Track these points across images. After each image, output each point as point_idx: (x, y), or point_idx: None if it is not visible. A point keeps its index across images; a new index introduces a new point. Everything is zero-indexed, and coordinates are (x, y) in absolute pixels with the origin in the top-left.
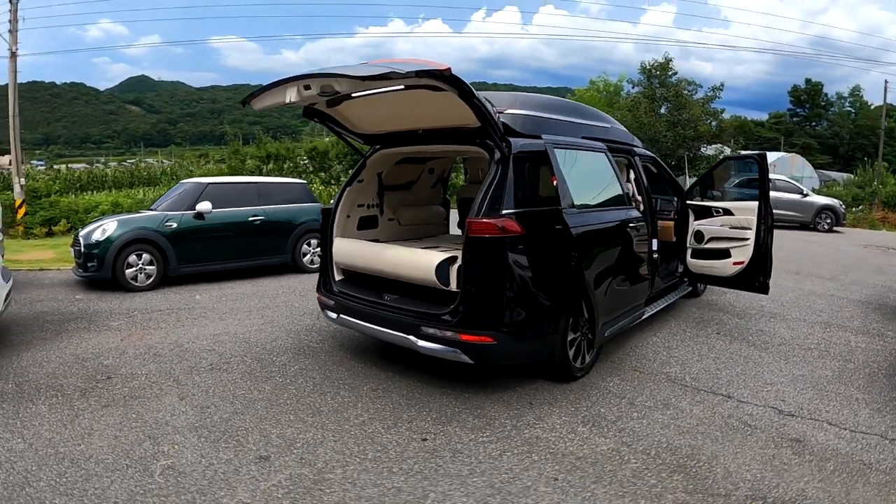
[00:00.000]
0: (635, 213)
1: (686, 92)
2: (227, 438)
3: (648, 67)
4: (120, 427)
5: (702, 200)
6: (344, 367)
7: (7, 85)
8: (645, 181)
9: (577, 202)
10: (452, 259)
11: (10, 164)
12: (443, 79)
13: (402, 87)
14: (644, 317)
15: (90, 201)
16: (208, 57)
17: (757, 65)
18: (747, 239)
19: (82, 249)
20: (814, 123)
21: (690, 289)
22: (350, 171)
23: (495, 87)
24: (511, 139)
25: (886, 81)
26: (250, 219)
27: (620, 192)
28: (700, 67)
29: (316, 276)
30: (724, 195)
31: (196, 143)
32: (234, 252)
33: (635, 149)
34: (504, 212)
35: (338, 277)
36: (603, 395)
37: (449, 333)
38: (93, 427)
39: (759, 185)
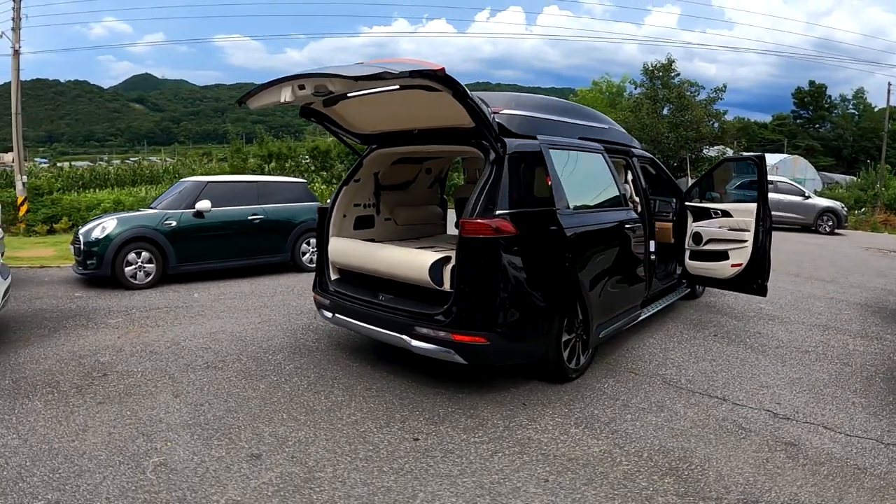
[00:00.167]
0: (632, 215)
1: (688, 93)
2: (220, 436)
3: (651, 68)
4: (114, 424)
5: (700, 202)
6: (339, 366)
7: (10, 83)
8: (643, 182)
9: (572, 203)
10: (446, 259)
11: (12, 161)
12: (437, 79)
13: (398, 87)
14: (640, 318)
15: (92, 199)
16: (212, 55)
17: (760, 66)
18: (745, 241)
19: (82, 247)
20: (817, 125)
21: (689, 290)
22: None
23: (499, 87)
24: (506, 139)
25: (890, 84)
26: (250, 217)
27: (617, 193)
28: (704, 69)
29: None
30: (723, 197)
31: (199, 141)
32: (234, 251)
33: (633, 150)
34: (498, 212)
35: (333, 277)
36: (597, 396)
37: (442, 333)
38: (87, 423)
39: (757, 187)
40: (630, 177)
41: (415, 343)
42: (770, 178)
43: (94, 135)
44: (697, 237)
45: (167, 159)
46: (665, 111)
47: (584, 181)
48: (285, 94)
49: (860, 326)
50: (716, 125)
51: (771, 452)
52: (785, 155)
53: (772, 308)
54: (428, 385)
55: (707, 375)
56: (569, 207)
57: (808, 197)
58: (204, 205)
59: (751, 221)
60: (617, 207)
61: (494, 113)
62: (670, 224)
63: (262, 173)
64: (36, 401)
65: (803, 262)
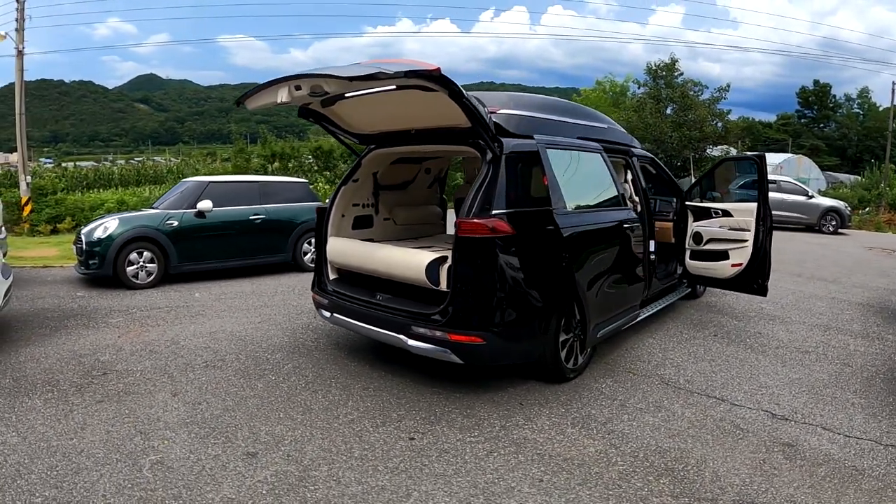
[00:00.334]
0: (630, 214)
1: (692, 93)
2: (217, 435)
3: (654, 68)
4: (112, 422)
5: (701, 201)
6: (337, 365)
7: (14, 83)
8: (642, 182)
9: (569, 203)
10: (443, 259)
11: (17, 161)
12: (432, 79)
13: (394, 87)
14: (639, 318)
15: (96, 199)
16: (216, 55)
17: (765, 66)
18: (746, 241)
19: (84, 247)
20: (822, 125)
21: (689, 290)
22: None
23: (503, 87)
24: (503, 139)
25: (894, 83)
26: (251, 217)
27: (615, 193)
28: (709, 68)
29: None
30: (725, 196)
31: (204, 141)
32: (235, 250)
33: (633, 149)
34: (494, 212)
35: (332, 276)
36: (595, 396)
37: (438, 333)
38: (86, 422)
39: (757, 187)
40: (630, 176)
41: (411, 342)
42: (773, 177)
43: (99, 135)
44: (698, 237)
45: (171, 159)
46: (668, 111)
47: (582, 181)
48: (282, 95)
49: (861, 327)
50: (719, 125)
51: (768, 453)
52: (789, 154)
53: (773, 308)
54: (425, 385)
55: (706, 375)
56: (566, 207)
57: (811, 196)
58: (205, 205)
59: (751, 221)
60: (615, 207)
61: (491, 112)
62: (671, 224)
63: (266, 173)
64: (36, 399)
65: (806, 261)
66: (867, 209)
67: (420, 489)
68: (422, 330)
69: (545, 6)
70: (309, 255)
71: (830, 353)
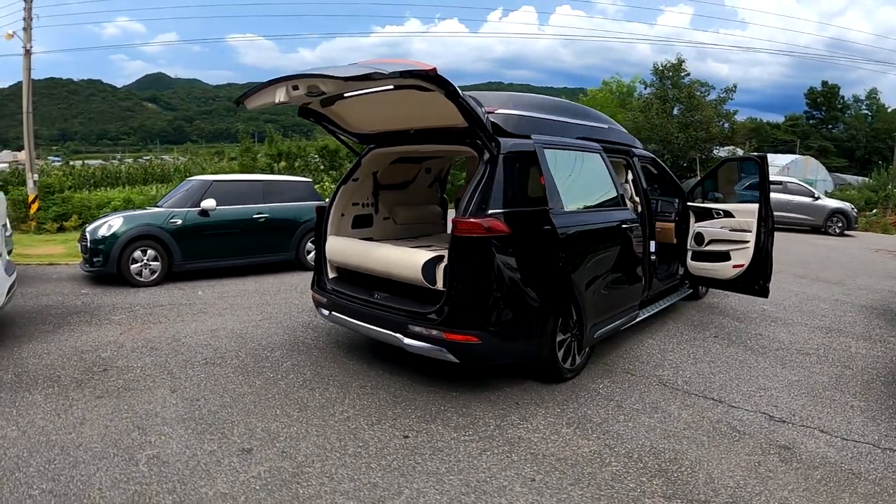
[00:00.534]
0: (629, 215)
1: (699, 93)
2: (213, 430)
3: (661, 68)
4: (111, 417)
5: (703, 202)
6: (336, 363)
7: (23, 82)
8: (643, 182)
9: (567, 203)
10: (439, 258)
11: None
12: (427, 78)
13: (392, 87)
14: (638, 319)
15: (103, 197)
16: (225, 55)
17: (773, 67)
18: (747, 242)
19: (88, 245)
20: (830, 126)
21: (691, 291)
22: None
23: (511, 87)
24: (501, 139)
25: None
26: (255, 216)
27: (614, 193)
28: (717, 69)
29: None
30: (730, 197)
31: (212, 140)
32: (239, 249)
33: (633, 149)
34: (491, 212)
35: (331, 275)
36: (591, 396)
37: (434, 332)
38: (85, 417)
39: (759, 188)
40: (630, 177)
41: (407, 341)
42: (779, 178)
43: (108, 133)
44: (699, 237)
45: (179, 158)
46: (675, 111)
47: (580, 181)
48: (280, 95)
49: (864, 329)
50: (726, 125)
51: (764, 455)
52: (796, 156)
53: (775, 309)
54: (422, 383)
55: (704, 377)
56: (563, 207)
57: (817, 198)
58: (209, 203)
59: (752, 222)
60: (614, 207)
61: (489, 112)
62: (672, 224)
63: (272, 172)
64: (36, 394)
65: (810, 263)
66: (874, 211)
67: (412, 487)
68: (418, 329)
69: (553, 6)
70: (312, 253)
71: (831, 356)
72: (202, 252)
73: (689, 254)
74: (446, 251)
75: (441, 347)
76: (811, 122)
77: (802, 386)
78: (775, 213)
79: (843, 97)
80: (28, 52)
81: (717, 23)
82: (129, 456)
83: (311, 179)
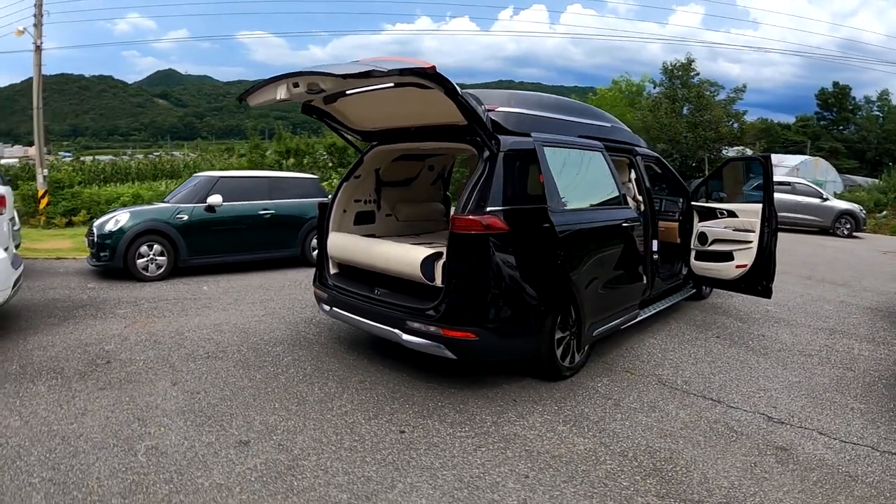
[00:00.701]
0: (630, 214)
1: (708, 93)
2: (212, 423)
3: (670, 68)
4: (112, 408)
5: (707, 201)
6: (336, 359)
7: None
8: (646, 181)
9: (566, 201)
10: (438, 255)
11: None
12: (426, 76)
13: (393, 84)
14: (639, 318)
15: (112, 193)
16: (235, 52)
17: (785, 67)
18: (750, 242)
19: (96, 239)
20: (841, 127)
21: (694, 291)
22: None
23: (521, 85)
24: (501, 137)
25: None
26: (260, 212)
27: (615, 192)
28: (728, 69)
29: None
30: (737, 197)
31: (223, 136)
32: (244, 245)
33: (637, 148)
34: (489, 209)
35: (333, 271)
36: (589, 395)
37: (432, 328)
38: (87, 408)
39: (762, 188)
40: (633, 175)
41: (405, 337)
42: (788, 179)
43: (118, 129)
44: (703, 237)
45: (189, 154)
46: (684, 111)
47: (581, 179)
48: (281, 92)
49: (868, 331)
50: (735, 125)
51: (760, 456)
52: (806, 156)
53: (779, 310)
54: (421, 380)
55: (704, 377)
56: (562, 205)
57: (825, 199)
58: (215, 199)
59: (756, 222)
60: (614, 206)
61: (490, 110)
62: (676, 224)
63: (281, 169)
64: (40, 385)
65: (817, 264)
66: (883, 213)
67: (405, 481)
68: (416, 325)
69: (564, 5)
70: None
71: (833, 357)
72: (208, 247)
73: (693, 253)
74: (445, 248)
75: (439, 344)
76: (822, 123)
77: (803, 387)
78: (783, 214)
79: (854, 98)
80: (38, 49)
81: (729, 23)
82: (129, 446)
83: (317, 176)
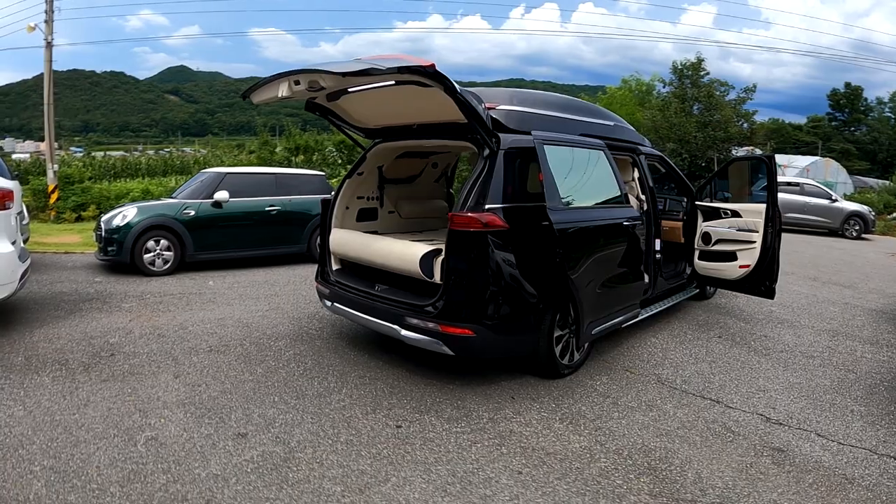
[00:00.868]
0: (631, 213)
1: (718, 93)
2: (212, 415)
3: (680, 67)
4: (114, 400)
5: (711, 201)
6: (337, 354)
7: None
8: (650, 180)
9: (566, 199)
10: (437, 252)
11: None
12: (425, 74)
13: (394, 82)
14: (639, 318)
15: (122, 188)
16: (247, 48)
17: (797, 67)
18: (754, 242)
19: (103, 234)
20: (853, 128)
21: (697, 291)
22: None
23: (533, 84)
24: (501, 135)
25: None
26: (267, 208)
27: (616, 191)
28: (739, 69)
29: None
30: (744, 196)
31: (234, 133)
32: (251, 240)
33: (640, 147)
34: (488, 207)
35: (335, 267)
36: (587, 393)
37: (431, 324)
38: (89, 399)
39: (766, 188)
40: (636, 175)
41: (404, 333)
42: (797, 180)
43: (130, 125)
44: (707, 237)
45: (200, 150)
46: (694, 110)
47: (581, 178)
48: (283, 90)
49: (872, 333)
50: (745, 125)
51: (756, 457)
52: (816, 157)
53: (783, 311)
54: (421, 375)
55: (704, 377)
56: (561, 203)
57: (834, 200)
58: (222, 195)
59: (760, 222)
60: (615, 205)
61: (490, 109)
62: (680, 223)
63: (290, 165)
64: (45, 376)
65: (824, 265)
66: (893, 214)
67: (399, 475)
68: (415, 321)
69: (576, 3)
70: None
71: (836, 359)
72: (214, 243)
73: (697, 253)
74: (444, 245)
75: (437, 340)
76: (833, 123)
77: (803, 388)
78: (791, 215)
79: (866, 99)
80: (49, 45)
81: (741, 22)
82: (129, 437)
83: (324, 173)
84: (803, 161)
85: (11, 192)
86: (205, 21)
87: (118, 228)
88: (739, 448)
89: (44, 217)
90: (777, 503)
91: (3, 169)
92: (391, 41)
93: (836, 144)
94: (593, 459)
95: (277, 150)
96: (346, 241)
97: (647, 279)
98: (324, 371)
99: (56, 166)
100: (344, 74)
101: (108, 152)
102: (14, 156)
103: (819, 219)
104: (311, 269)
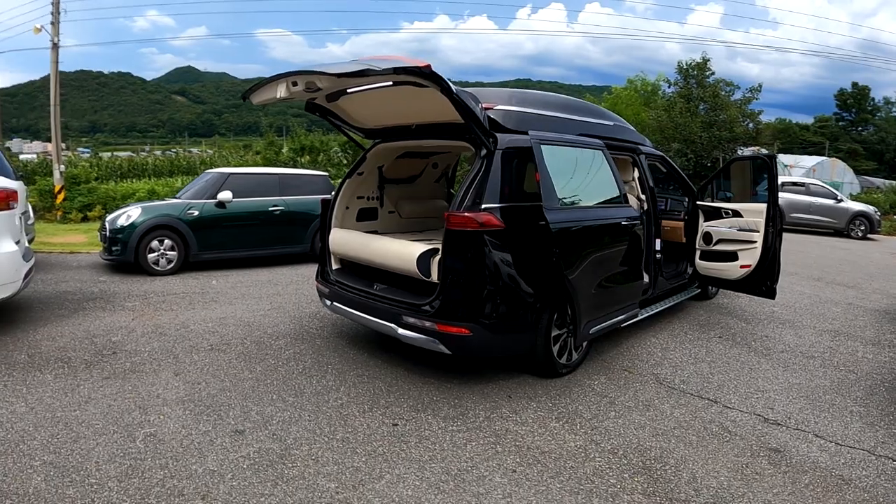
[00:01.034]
0: (630, 212)
1: (723, 93)
2: (210, 412)
3: (685, 67)
4: (115, 397)
5: (713, 201)
6: (337, 353)
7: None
8: (650, 180)
9: (563, 199)
10: (434, 251)
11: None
12: (421, 75)
13: (391, 83)
14: (639, 317)
15: (128, 188)
16: (254, 49)
17: (804, 67)
18: (755, 242)
19: (108, 234)
20: (860, 128)
21: (699, 291)
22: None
23: (539, 84)
24: (498, 135)
25: None
26: (270, 209)
27: (615, 190)
28: (747, 69)
29: None
30: (749, 196)
31: (241, 133)
32: (254, 240)
33: (640, 147)
34: (485, 206)
35: (335, 267)
36: (585, 392)
37: (427, 323)
38: (90, 396)
39: (767, 188)
40: (636, 174)
41: (402, 331)
42: (802, 180)
43: (137, 126)
44: (708, 237)
45: (207, 151)
46: (700, 110)
47: (579, 177)
48: (280, 91)
49: (874, 333)
50: (750, 125)
51: (752, 457)
52: (822, 158)
53: (785, 311)
54: (419, 374)
55: (703, 377)
56: (558, 203)
57: (840, 200)
58: (225, 195)
59: (761, 222)
60: (613, 204)
61: (487, 109)
62: (682, 223)
63: (295, 166)
64: (47, 374)
65: (828, 266)
66: None
67: (393, 472)
68: (412, 320)
69: (583, 3)
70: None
71: (836, 360)
72: (218, 243)
73: (698, 253)
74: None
75: (434, 339)
76: (841, 123)
77: (802, 389)
78: (797, 216)
79: (873, 99)
80: (55, 46)
81: (748, 22)
82: (128, 433)
83: (327, 173)
84: (809, 161)
85: (15, 192)
86: (212, 22)
87: (122, 228)
88: (736, 448)
89: (50, 217)
90: (771, 503)
91: (8, 169)
92: (398, 42)
93: (843, 144)
94: (588, 458)
95: (283, 150)
96: (346, 240)
97: (646, 279)
98: (323, 369)
99: (62, 167)
100: (339, 75)
101: (115, 153)
102: (22, 156)
103: (824, 219)
104: (313, 269)
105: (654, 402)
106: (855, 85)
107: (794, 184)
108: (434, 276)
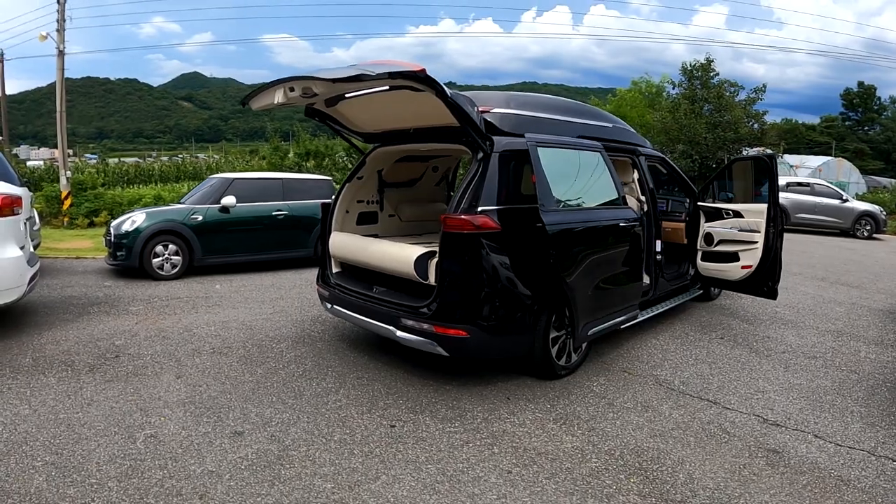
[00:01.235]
0: (629, 214)
1: (728, 93)
2: (210, 414)
3: (689, 68)
4: (117, 399)
5: (714, 202)
6: (337, 356)
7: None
8: (650, 182)
9: (560, 200)
10: (432, 254)
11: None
12: (416, 79)
13: (388, 88)
14: (641, 319)
15: (134, 194)
16: (260, 54)
17: (810, 67)
18: (756, 242)
19: (113, 239)
20: (866, 128)
21: (701, 292)
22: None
23: (545, 87)
24: (495, 138)
25: None
26: (274, 213)
27: (613, 192)
28: (752, 69)
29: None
30: (739, 196)
31: (247, 139)
32: (258, 245)
33: (640, 149)
34: (481, 209)
35: (335, 270)
36: (584, 394)
37: (425, 326)
38: (93, 398)
39: (768, 188)
40: (636, 176)
41: (400, 334)
42: (807, 180)
43: (144, 132)
44: (709, 238)
45: (214, 156)
46: (704, 111)
47: (576, 179)
48: (278, 96)
49: (877, 333)
50: (755, 126)
51: (750, 458)
52: (829, 157)
53: (787, 312)
54: (418, 377)
55: (703, 378)
56: (555, 205)
57: (845, 200)
58: (229, 200)
59: (761, 222)
60: (611, 206)
61: (484, 112)
62: (683, 224)
63: (301, 170)
64: (50, 377)
65: (833, 266)
66: None
67: (389, 473)
68: (410, 322)
69: (587, 6)
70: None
71: (838, 360)
72: (222, 247)
73: (699, 254)
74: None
75: (431, 341)
76: (847, 123)
77: (803, 389)
78: (802, 216)
79: (879, 98)
80: (61, 53)
81: (753, 23)
82: (129, 434)
83: (330, 178)
84: (815, 161)
85: (20, 198)
86: (217, 28)
87: (127, 234)
88: (734, 449)
89: (56, 223)
90: None
91: (12, 176)
92: (403, 46)
93: (849, 144)
94: (584, 459)
95: (289, 155)
96: (345, 244)
97: (647, 280)
98: (323, 372)
99: (69, 173)
100: (334, 81)
101: (122, 159)
102: (29, 163)
103: (830, 219)
104: (316, 273)
105: (653, 403)
106: (861, 84)
107: (799, 184)
108: (432, 279)
